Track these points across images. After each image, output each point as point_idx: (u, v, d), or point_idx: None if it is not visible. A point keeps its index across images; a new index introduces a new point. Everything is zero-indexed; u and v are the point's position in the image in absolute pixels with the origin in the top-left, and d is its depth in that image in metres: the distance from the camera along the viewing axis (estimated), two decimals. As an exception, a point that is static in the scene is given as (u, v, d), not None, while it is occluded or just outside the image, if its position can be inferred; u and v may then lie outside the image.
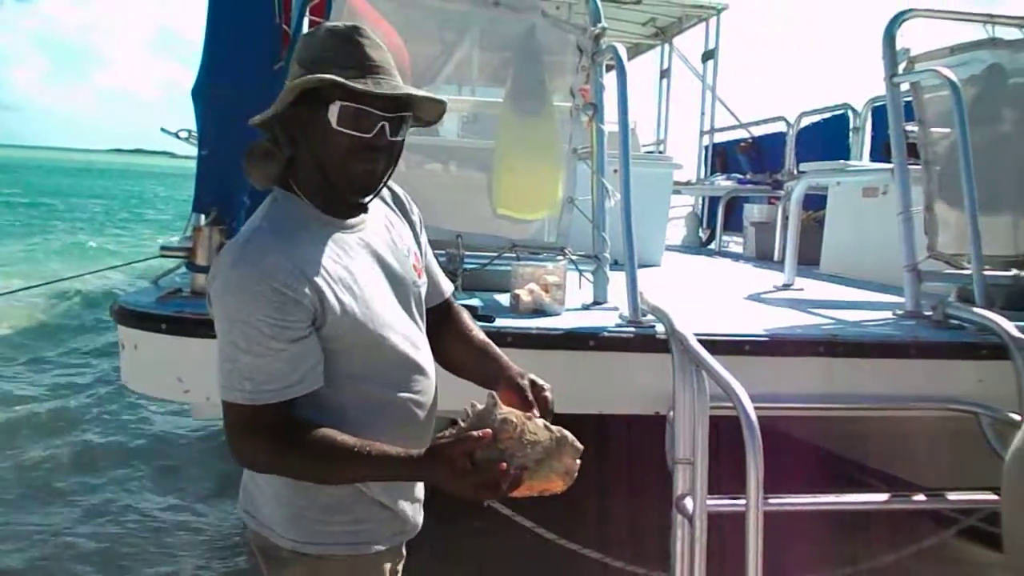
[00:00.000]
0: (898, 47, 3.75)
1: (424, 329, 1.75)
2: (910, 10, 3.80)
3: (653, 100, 9.53)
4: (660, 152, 9.02)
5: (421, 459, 1.43)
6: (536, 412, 1.58)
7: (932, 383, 3.02)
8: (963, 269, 3.48)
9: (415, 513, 1.73)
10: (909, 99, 3.84)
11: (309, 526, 1.59)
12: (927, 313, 3.41)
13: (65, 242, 21.66)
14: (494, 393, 1.47)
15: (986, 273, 3.37)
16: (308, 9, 3.21)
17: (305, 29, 3.21)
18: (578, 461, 1.47)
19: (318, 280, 1.48)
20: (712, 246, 8.16)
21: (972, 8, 6.02)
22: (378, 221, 1.68)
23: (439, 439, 1.44)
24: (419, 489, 1.75)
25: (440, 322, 1.88)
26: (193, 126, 4.00)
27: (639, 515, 3.42)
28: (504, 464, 1.39)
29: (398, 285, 1.67)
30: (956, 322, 3.26)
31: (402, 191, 1.82)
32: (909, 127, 3.77)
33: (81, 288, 12.18)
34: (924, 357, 3.03)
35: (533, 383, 1.67)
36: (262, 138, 1.59)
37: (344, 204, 1.60)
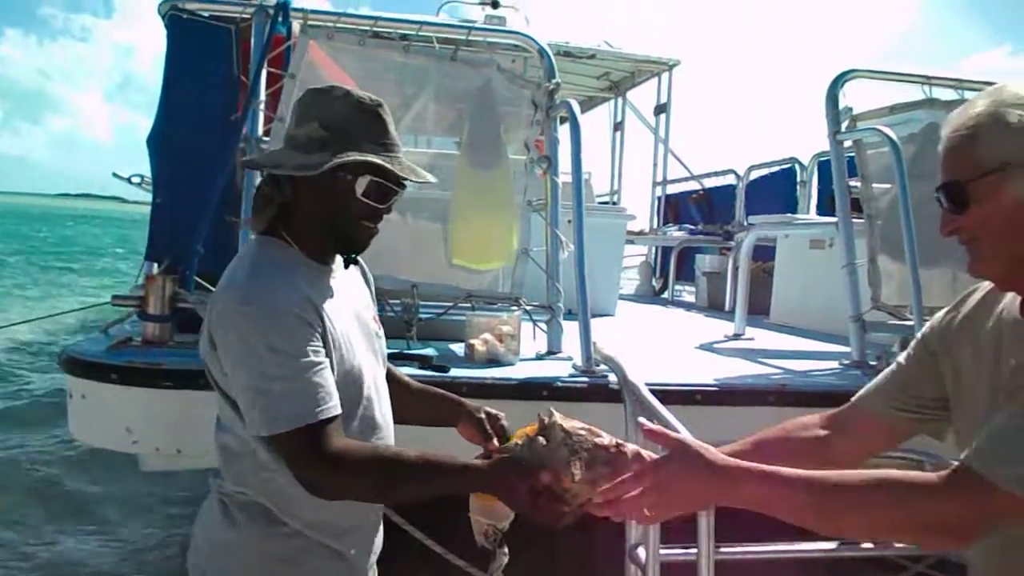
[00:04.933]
0: (841, 105, 3.88)
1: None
2: (852, 70, 3.95)
3: (607, 151, 9.69)
4: (614, 203, 9.14)
5: (482, 472, 1.43)
6: (496, 443, 1.66)
7: (878, 431, 3.07)
8: (906, 320, 3.57)
9: (371, 561, 1.70)
10: (852, 155, 3.97)
11: None
12: (872, 363, 3.48)
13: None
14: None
15: (927, 324, 3.46)
16: (267, 60, 3.23)
17: (263, 80, 3.24)
18: None
19: (323, 315, 1.50)
20: (665, 295, 8.24)
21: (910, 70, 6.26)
22: (341, 270, 1.69)
23: (505, 452, 1.46)
24: (378, 540, 1.73)
25: None
26: (145, 171, 3.96)
27: (592, 566, 3.41)
28: (566, 508, 1.38)
29: (367, 332, 1.69)
30: (900, 371, 3.33)
31: None
32: (852, 182, 3.88)
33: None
34: (870, 406, 3.09)
35: (489, 415, 1.75)
36: (262, 185, 1.60)
37: (334, 255, 1.63)
